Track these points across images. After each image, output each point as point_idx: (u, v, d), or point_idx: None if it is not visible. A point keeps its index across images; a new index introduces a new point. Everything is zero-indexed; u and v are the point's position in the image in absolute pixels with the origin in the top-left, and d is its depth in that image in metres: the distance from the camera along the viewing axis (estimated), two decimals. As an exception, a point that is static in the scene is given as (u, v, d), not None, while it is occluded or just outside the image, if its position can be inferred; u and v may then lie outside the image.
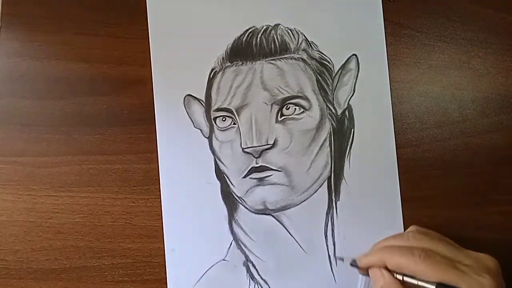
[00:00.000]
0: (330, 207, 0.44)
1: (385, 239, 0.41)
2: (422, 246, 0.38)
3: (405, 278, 0.38)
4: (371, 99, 0.45)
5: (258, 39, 0.45)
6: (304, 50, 0.45)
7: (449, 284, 0.35)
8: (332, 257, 0.44)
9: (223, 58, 0.45)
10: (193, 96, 0.45)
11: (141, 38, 0.45)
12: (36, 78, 0.45)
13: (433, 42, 0.46)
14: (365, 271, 0.40)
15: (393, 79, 0.45)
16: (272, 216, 0.44)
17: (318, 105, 0.45)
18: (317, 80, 0.45)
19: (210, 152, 0.44)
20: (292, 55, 0.45)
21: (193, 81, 0.45)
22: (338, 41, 0.45)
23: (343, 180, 0.44)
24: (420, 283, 0.37)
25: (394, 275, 0.38)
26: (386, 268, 0.38)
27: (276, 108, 0.44)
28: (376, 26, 0.46)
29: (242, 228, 0.44)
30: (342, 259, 0.43)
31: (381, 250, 0.39)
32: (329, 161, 0.44)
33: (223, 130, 0.44)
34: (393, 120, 0.45)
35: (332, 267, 0.44)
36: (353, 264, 0.41)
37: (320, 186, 0.44)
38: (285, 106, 0.44)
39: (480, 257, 0.37)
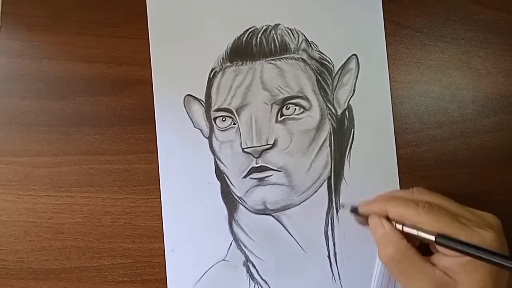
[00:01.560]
0: (330, 207, 0.44)
1: (389, 191, 0.42)
2: (426, 200, 0.38)
3: (405, 228, 0.38)
4: (371, 99, 0.45)
5: (258, 39, 0.45)
6: (304, 50, 0.45)
7: (449, 236, 0.35)
8: (332, 257, 0.44)
9: (223, 58, 0.45)
10: (193, 96, 0.45)
11: (141, 38, 0.45)
12: (36, 78, 0.45)
13: (433, 42, 0.46)
14: (364, 220, 0.41)
15: (393, 79, 0.45)
16: (272, 216, 0.44)
17: (318, 105, 0.45)
18: (317, 80, 0.45)
19: (210, 152, 0.44)
20: (292, 55, 0.45)
21: (193, 81, 0.45)
22: (338, 41, 0.45)
23: (343, 180, 0.44)
24: (420, 233, 0.37)
25: (394, 225, 0.38)
26: (386, 219, 0.39)
27: (276, 108, 0.44)
28: (376, 26, 0.46)
29: (242, 228, 0.44)
30: (343, 206, 0.43)
31: (385, 199, 0.40)
32: (329, 161, 0.44)
33: (223, 130, 0.44)
34: (393, 120, 0.45)
35: (332, 267, 0.44)
36: (353, 210, 0.41)
37: (320, 186, 0.44)
38: (285, 106, 0.44)
39: (483, 214, 0.38)
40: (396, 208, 0.38)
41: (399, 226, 0.38)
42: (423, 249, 0.39)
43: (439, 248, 0.37)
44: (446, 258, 0.37)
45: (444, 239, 0.35)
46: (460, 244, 0.35)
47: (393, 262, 0.38)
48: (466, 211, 0.38)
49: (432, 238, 0.36)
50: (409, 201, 0.38)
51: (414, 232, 0.37)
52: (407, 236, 0.38)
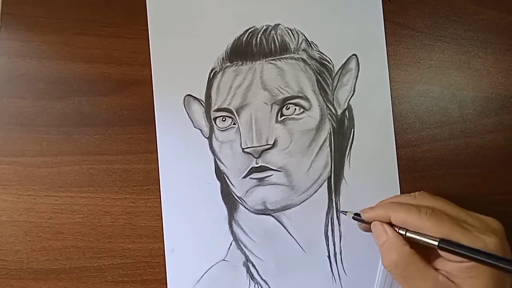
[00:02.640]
0: (330, 207, 0.44)
1: (391, 197, 0.42)
2: (428, 205, 0.38)
3: (408, 234, 0.38)
4: (371, 99, 0.45)
5: (258, 39, 0.45)
6: (304, 50, 0.45)
7: (451, 240, 0.35)
8: (332, 257, 0.44)
9: (223, 58, 0.45)
10: (193, 96, 0.45)
11: (141, 38, 0.45)
12: (36, 78, 0.45)
13: (433, 42, 0.46)
14: (367, 227, 0.41)
15: (393, 79, 0.45)
16: (272, 216, 0.44)
17: (318, 105, 0.45)
18: (317, 80, 0.45)
19: (210, 152, 0.44)
20: (292, 55, 0.45)
21: (193, 81, 0.45)
22: (338, 41, 0.45)
23: (343, 180, 0.44)
24: (423, 238, 0.37)
25: (397, 231, 0.38)
26: (389, 225, 0.39)
27: (276, 108, 0.44)
28: (376, 26, 0.46)
29: (242, 228, 0.44)
30: (345, 213, 0.43)
31: (387, 205, 0.40)
32: (329, 161, 0.44)
33: (223, 130, 0.44)
34: (393, 120, 0.45)
35: (332, 267, 0.44)
36: (356, 217, 0.41)
37: (320, 186, 0.44)
38: (285, 106, 0.44)
39: (486, 219, 0.37)
40: (398, 214, 0.38)
41: (402, 232, 0.38)
42: (426, 254, 0.39)
43: (442, 253, 0.36)
44: (449, 263, 0.36)
45: (447, 244, 0.35)
46: (463, 248, 0.35)
47: (396, 268, 0.38)
48: (468, 216, 0.38)
49: (435, 243, 0.36)
50: (411, 207, 0.38)
51: (417, 237, 0.37)
52: (410, 242, 0.38)
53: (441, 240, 0.36)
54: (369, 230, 0.41)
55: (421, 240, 0.37)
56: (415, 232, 0.37)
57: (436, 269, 0.37)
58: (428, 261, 0.38)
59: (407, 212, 0.38)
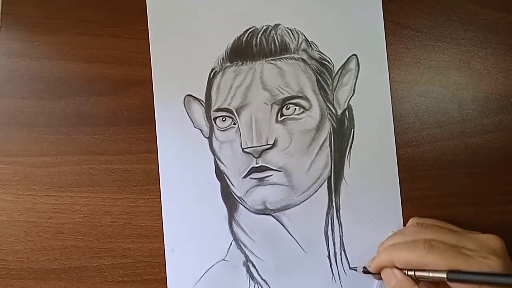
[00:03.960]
0: (330, 207, 0.44)
1: (387, 239, 0.41)
2: (424, 238, 0.38)
3: (416, 273, 0.37)
4: (371, 99, 0.45)
5: (258, 39, 0.45)
6: (304, 50, 0.45)
7: (459, 270, 0.35)
8: (332, 257, 0.44)
9: (223, 58, 0.45)
10: (193, 96, 0.45)
11: (141, 38, 0.45)
12: (36, 78, 0.45)
13: (433, 42, 0.46)
14: (379, 275, 0.41)
15: (393, 79, 0.45)
16: (272, 216, 0.44)
17: (318, 105, 0.45)
18: (317, 80, 0.45)
19: (210, 152, 0.44)
20: (292, 55, 0.45)
21: (193, 81, 0.45)
22: (338, 41, 0.45)
23: (343, 180, 0.44)
24: (431, 274, 0.36)
25: (405, 273, 0.38)
26: (397, 268, 0.38)
27: (276, 108, 0.44)
28: (376, 26, 0.46)
29: (242, 228, 0.44)
30: (355, 269, 0.43)
31: (386, 250, 0.40)
32: (329, 161, 0.44)
33: (223, 130, 0.44)
34: (393, 120, 0.45)
35: (332, 267, 0.44)
36: (365, 271, 0.42)
37: (320, 186, 0.44)
38: (285, 106, 0.44)
39: (484, 239, 0.37)
40: (400, 256, 0.38)
41: (410, 273, 0.38)
42: None
43: (452, 285, 0.36)
44: None
45: (456, 275, 0.35)
46: (473, 275, 0.35)
47: None
48: (465, 238, 0.37)
49: (444, 275, 0.36)
50: (408, 245, 0.38)
51: (425, 275, 0.37)
52: (421, 281, 0.38)
53: (449, 272, 0.35)
54: (381, 278, 0.41)
55: (430, 276, 0.37)
56: (422, 270, 0.37)
57: None
58: None
59: (406, 252, 0.38)
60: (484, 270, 0.35)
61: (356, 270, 0.43)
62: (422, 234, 0.39)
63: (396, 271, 0.38)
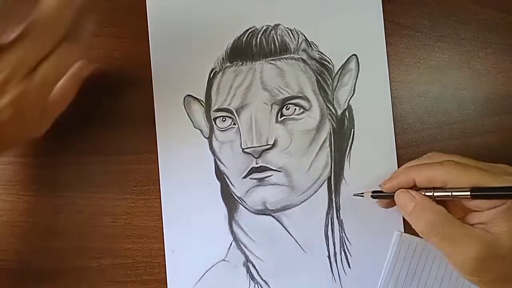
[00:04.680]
0: (330, 207, 0.44)
1: (407, 162, 0.40)
2: (448, 159, 0.37)
3: (436, 193, 0.36)
4: (371, 99, 0.45)
5: (258, 39, 0.45)
6: (304, 50, 0.45)
7: (482, 186, 0.35)
8: (332, 257, 0.44)
9: (223, 58, 0.45)
10: (193, 97, 0.45)
11: (141, 38, 0.45)
12: (36, 78, 0.45)
13: (433, 42, 0.46)
14: (389, 203, 0.39)
15: (393, 79, 0.45)
16: (272, 216, 0.44)
17: (318, 105, 0.45)
18: (317, 80, 0.45)
19: (210, 152, 0.44)
20: (292, 55, 0.45)
21: (193, 81, 0.45)
22: (338, 41, 0.45)
23: (343, 180, 0.44)
24: (453, 192, 0.36)
25: (424, 194, 0.37)
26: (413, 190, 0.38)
27: (276, 108, 0.44)
28: (376, 26, 0.46)
29: (242, 229, 0.44)
30: (361, 195, 0.42)
31: (406, 169, 0.39)
32: (329, 161, 0.44)
33: (223, 130, 0.44)
34: (393, 120, 0.45)
35: (332, 267, 0.44)
36: (376, 194, 0.40)
37: (320, 187, 0.44)
38: (285, 106, 0.44)
39: (503, 166, 0.37)
40: (422, 173, 0.37)
41: (429, 194, 0.37)
42: (456, 213, 0.37)
43: (474, 203, 0.36)
44: (483, 214, 0.36)
45: (480, 190, 0.35)
46: (498, 190, 0.34)
47: (434, 229, 0.36)
48: (487, 165, 0.37)
49: (467, 193, 0.35)
50: (432, 164, 0.37)
51: (446, 194, 0.36)
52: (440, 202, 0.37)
53: (473, 189, 0.35)
54: (390, 205, 0.40)
55: (452, 195, 0.36)
56: (443, 189, 0.36)
57: (471, 225, 0.36)
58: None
59: (430, 169, 0.37)
60: (509, 185, 0.34)
61: (362, 196, 0.42)
62: (443, 157, 0.38)
63: (414, 193, 0.37)
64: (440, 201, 0.37)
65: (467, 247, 0.35)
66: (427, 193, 0.37)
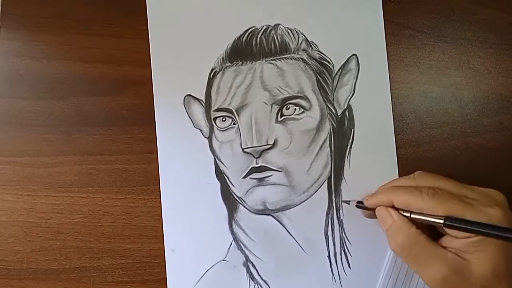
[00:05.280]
0: (330, 207, 0.44)
1: (391, 181, 0.42)
2: (429, 185, 0.38)
3: (413, 215, 0.38)
4: (371, 99, 0.45)
5: (258, 39, 0.45)
6: (304, 50, 0.45)
7: (456, 217, 0.36)
8: (332, 257, 0.44)
9: (223, 58, 0.45)
10: (193, 96, 0.45)
11: (141, 38, 0.45)
12: (36, 78, 0.45)
13: (433, 42, 0.46)
14: (371, 214, 0.41)
15: (393, 79, 0.45)
16: (272, 216, 0.44)
17: (318, 105, 0.45)
18: (317, 80, 0.45)
19: (210, 152, 0.44)
20: (292, 55, 0.45)
21: (193, 81, 0.45)
22: (338, 41, 0.45)
23: (343, 180, 0.44)
24: (428, 218, 0.37)
25: (401, 213, 0.38)
26: (393, 209, 0.39)
27: (276, 108, 0.44)
28: (376, 26, 0.46)
29: (242, 228, 0.44)
30: (348, 202, 0.43)
31: (388, 190, 0.40)
32: (329, 161, 0.44)
33: (223, 130, 0.44)
34: (393, 120, 0.45)
35: (332, 267, 0.44)
36: (359, 205, 0.42)
37: (320, 186, 0.44)
38: (285, 106, 0.44)
39: (488, 191, 0.38)
40: (400, 197, 0.38)
41: (406, 214, 0.38)
42: (433, 234, 0.39)
43: (448, 231, 0.37)
44: (456, 240, 0.37)
45: (452, 221, 0.36)
46: (468, 223, 0.35)
47: (404, 250, 0.38)
48: (469, 190, 0.38)
49: (440, 221, 0.36)
50: (412, 189, 0.38)
51: (421, 218, 0.37)
52: (416, 224, 0.38)
53: (446, 218, 0.36)
54: (373, 216, 0.41)
55: (426, 220, 0.37)
56: (419, 213, 0.37)
57: (444, 247, 0.37)
58: (435, 240, 0.38)
59: (409, 194, 0.38)
60: (480, 220, 0.35)
61: (348, 203, 0.43)
62: (427, 181, 0.39)
63: (393, 212, 0.39)
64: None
65: (434, 269, 0.36)
66: (404, 213, 0.38)
